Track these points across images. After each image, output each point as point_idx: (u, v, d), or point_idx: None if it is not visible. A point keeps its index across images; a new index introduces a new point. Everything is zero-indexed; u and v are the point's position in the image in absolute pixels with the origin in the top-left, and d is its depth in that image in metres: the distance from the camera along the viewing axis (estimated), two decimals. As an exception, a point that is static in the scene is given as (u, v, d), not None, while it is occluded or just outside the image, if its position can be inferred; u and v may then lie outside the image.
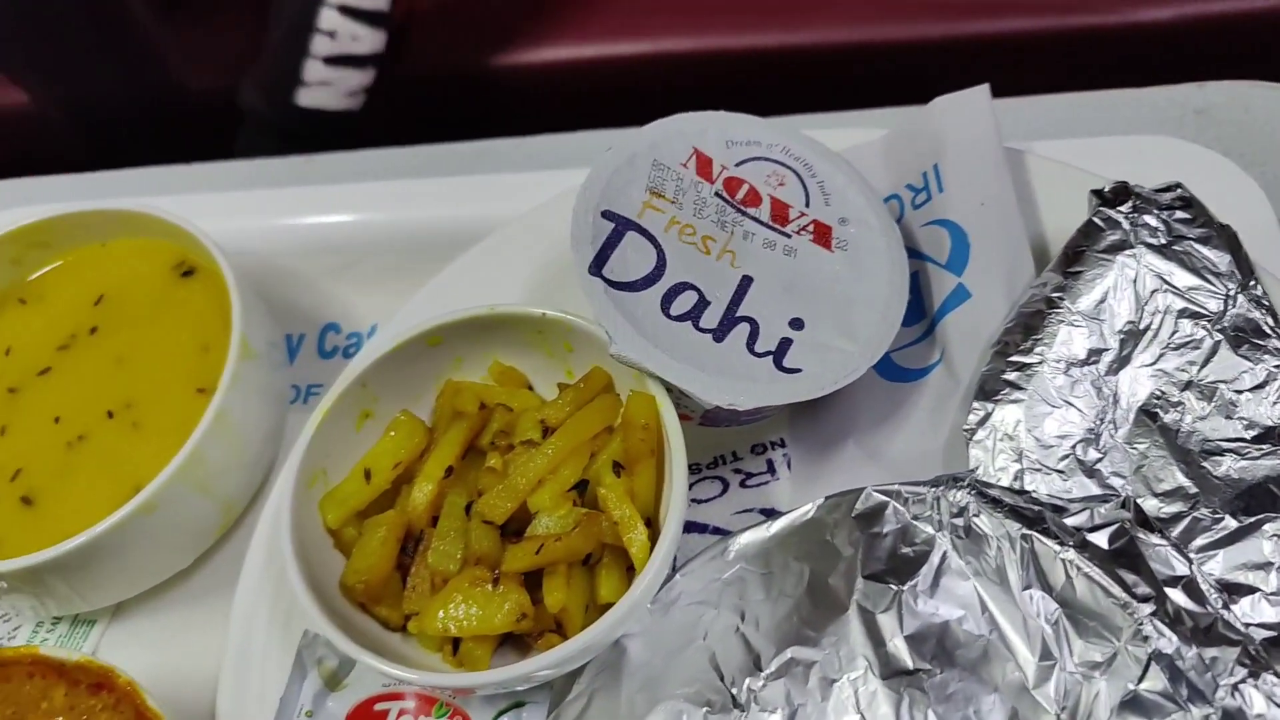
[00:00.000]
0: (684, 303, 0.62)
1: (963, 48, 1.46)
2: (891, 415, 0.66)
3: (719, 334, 0.62)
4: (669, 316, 0.62)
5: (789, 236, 0.66)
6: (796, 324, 0.63)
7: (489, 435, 0.67)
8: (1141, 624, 0.50)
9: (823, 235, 0.66)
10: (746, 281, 0.64)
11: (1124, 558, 0.51)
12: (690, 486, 0.69)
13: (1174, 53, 1.43)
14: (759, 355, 0.62)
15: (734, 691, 0.55)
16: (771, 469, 0.69)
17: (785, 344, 0.62)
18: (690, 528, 0.68)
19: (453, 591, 0.60)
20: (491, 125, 0.94)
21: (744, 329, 0.62)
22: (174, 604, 0.74)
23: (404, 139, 0.94)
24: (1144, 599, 0.50)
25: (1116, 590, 0.50)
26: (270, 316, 0.77)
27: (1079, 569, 0.51)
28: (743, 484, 0.69)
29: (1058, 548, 0.52)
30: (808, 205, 0.67)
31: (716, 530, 0.67)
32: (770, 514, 0.64)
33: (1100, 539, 0.52)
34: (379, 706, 0.63)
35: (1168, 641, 0.49)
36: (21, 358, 0.78)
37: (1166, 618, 0.50)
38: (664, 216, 0.65)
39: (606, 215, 0.64)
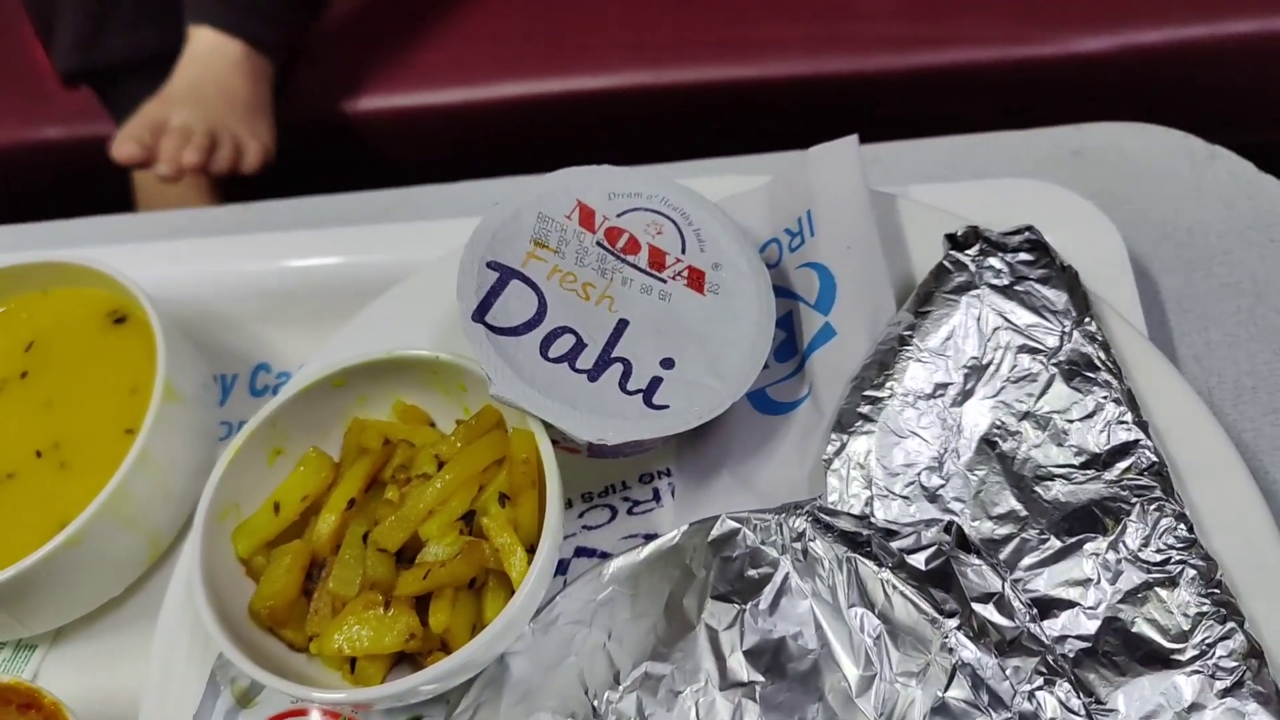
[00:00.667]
0: (562, 345, 0.67)
1: (904, 80, 1.51)
2: (764, 445, 0.71)
3: (594, 374, 0.67)
4: (547, 359, 0.67)
5: (665, 282, 0.71)
6: (667, 363, 0.68)
7: (391, 469, 0.72)
8: (947, 637, 0.54)
9: (696, 280, 0.71)
10: (623, 324, 0.69)
11: (937, 577, 0.56)
12: (581, 514, 0.74)
13: (1102, 82, 1.49)
14: (630, 393, 0.66)
15: (595, 704, 0.60)
16: (657, 496, 0.74)
17: (656, 382, 0.67)
18: (580, 553, 0.72)
19: (348, 615, 0.65)
20: (387, 170, 1.00)
21: (618, 369, 0.67)
22: (108, 629, 0.78)
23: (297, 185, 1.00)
24: (950, 614, 0.55)
25: (927, 607, 0.55)
26: (201, 358, 0.82)
27: (895, 587, 0.56)
28: (629, 511, 0.73)
29: (877, 569, 0.57)
30: (684, 252, 0.72)
31: (604, 555, 0.72)
32: (651, 538, 0.69)
33: (918, 560, 0.57)
34: (286, 722, 0.68)
35: (970, 653, 0.54)
36: None
37: (971, 631, 0.54)
38: (547, 265, 0.70)
39: (491, 265, 0.69)
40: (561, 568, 0.71)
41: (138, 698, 0.72)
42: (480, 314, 0.67)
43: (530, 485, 0.67)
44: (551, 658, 0.64)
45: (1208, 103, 1.49)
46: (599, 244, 0.72)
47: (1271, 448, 0.73)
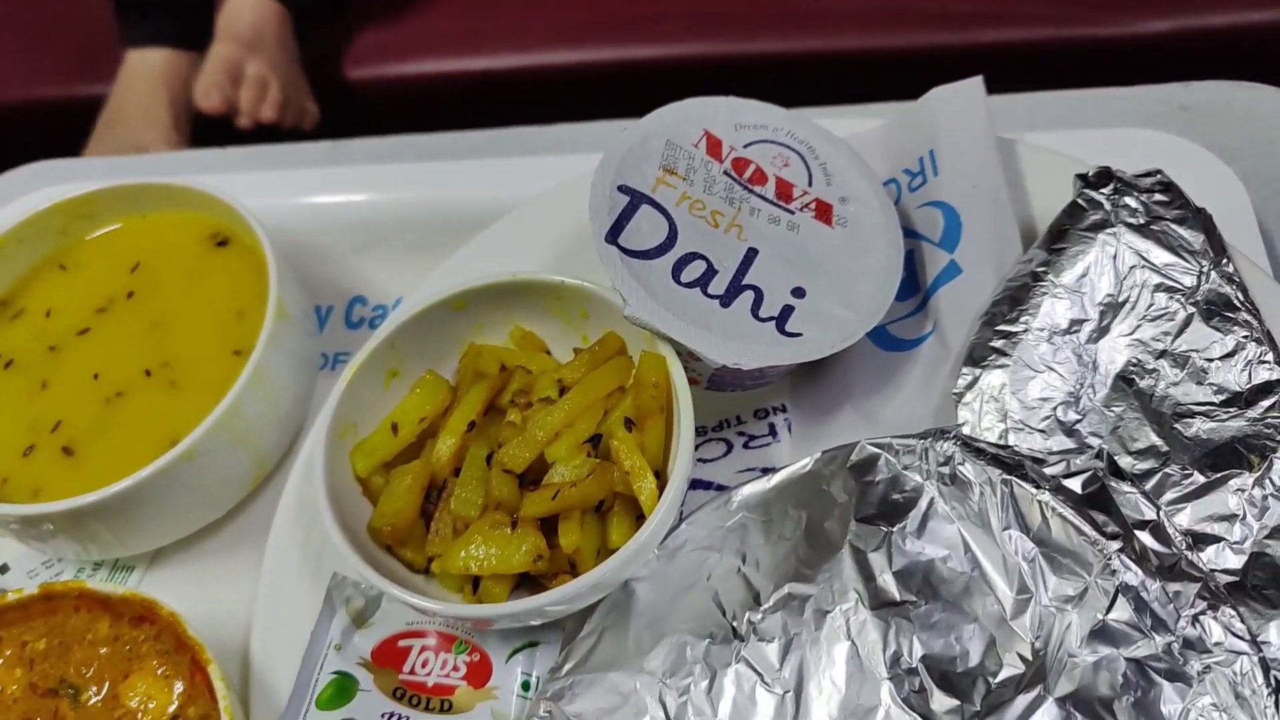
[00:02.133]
0: (693, 271, 0.67)
1: (960, 56, 1.51)
2: (887, 382, 0.70)
3: (726, 300, 0.66)
4: (679, 283, 0.66)
5: (793, 213, 0.70)
6: (798, 293, 0.67)
7: (509, 395, 0.71)
8: (1110, 559, 0.54)
9: (824, 212, 0.70)
10: (752, 253, 0.68)
11: (1096, 501, 0.56)
12: (697, 447, 0.73)
13: (1165, 63, 1.48)
14: (763, 320, 0.66)
15: (735, 624, 0.59)
16: (773, 432, 0.73)
17: (788, 310, 0.66)
18: (696, 485, 0.72)
19: (474, 534, 0.64)
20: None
21: (749, 296, 0.67)
22: (208, 552, 0.78)
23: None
24: (1113, 537, 0.54)
25: (1088, 529, 0.55)
26: (301, 286, 0.82)
27: (1054, 510, 0.56)
28: (746, 445, 0.73)
29: (1034, 491, 0.56)
30: (810, 185, 0.71)
31: (720, 487, 0.72)
32: (770, 471, 0.69)
33: (1075, 484, 0.56)
34: (403, 643, 0.67)
35: (1134, 575, 0.53)
36: (61, 319, 0.82)
37: (1134, 554, 0.54)
38: (676, 192, 0.69)
39: (622, 189, 0.68)
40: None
41: (239, 622, 0.72)
42: (613, 236, 0.67)
43: (659, 410, 0.66)
44: (679, 583, 0.63)
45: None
46: (726, 173, 0.71)
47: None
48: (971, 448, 0.59)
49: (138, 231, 0.84)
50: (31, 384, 0.79)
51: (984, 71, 1.54)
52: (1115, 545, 0.54)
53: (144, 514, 0.72)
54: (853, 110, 0.89)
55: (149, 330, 0.79)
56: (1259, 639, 0.55)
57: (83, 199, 0.84)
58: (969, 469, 0.58)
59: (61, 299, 0.83)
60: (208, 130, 1.50)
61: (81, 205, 0.84)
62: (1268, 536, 0.59)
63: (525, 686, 0.66)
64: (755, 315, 0.66)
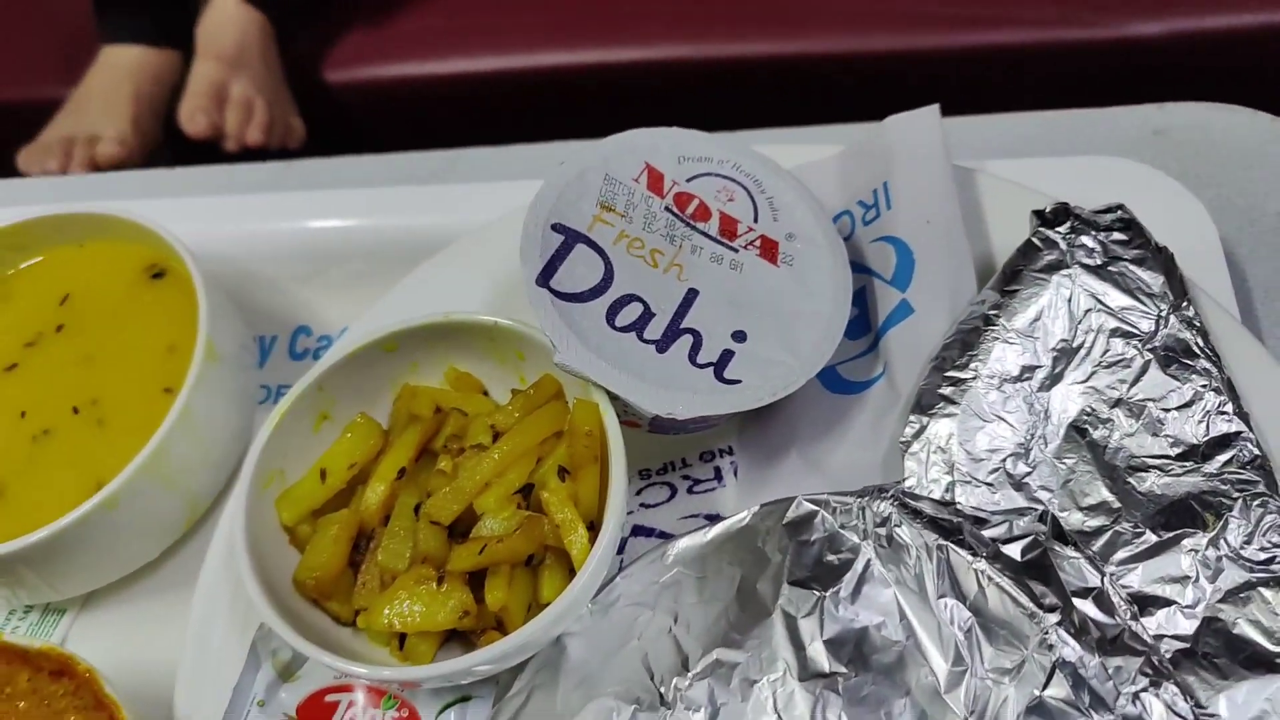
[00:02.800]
0: (629, 314, 0.64)
1: (949, 59, 1.48)
2: (834, 426, 0.68)
3: (662, 345, 0.64)
4: (614, 327, 0.64)
5: (736, 251, 0.67)
6: (739, 336, 0.65)
7: (442, 439, 0.69)
8: (1047, 633, 0.51)
9: (769, 250, 0.68)
10: (692, 294, 0.66)
11: (1035, 569, 0.53)
12: (639, 492, 0.71)
13: (1157, 65, 1.45)
14: (700, 366, 0.63)
15: (662, 690, 0.57)
16: (719, 476, 0.70)
17: (727, 356, 0.64)
18: (638, 531, 0.69)
19: (399, 589, 0.62)
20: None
21: (687, 340, 0.64)
22: (141, 595, 0.76)
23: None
24: (1050, 609, 0.52)
25: (1025, 600, 0.52)
26: (240, 319, 0.79)
27: (990, 579, 0.53)
28: (690, 490, 0.70)
29: (971, 558, 0.54)
30: (756, 220, 0.69)
31: (663, 535, 0.69)
32: (714, 519, 0.66)
33: (1014, 550, 0.54)
34: (330, 698, 0.65)
35: (1071, 651, 0.51)
36: None
37: (1072, 628, 0.51)
38: (614, 230, 0.67)
39: (556, 228, 0.66)
40: (620, 547, 0.68)
41: (171, 667, 0.69)
42: (545, 278, 0.64)
43: (593, 459, 0.64)
44: (612, 641, 0.61)
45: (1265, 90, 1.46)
46: (668, 209, 0.68)
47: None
48: (909, 509, 0.56)
49: (70, 262, 0.82)
50: (-42, 421, 0.77)
51: (973, 75, 1.51)
52: (1053, 618, 0.52)
53: (71, 559, 0.70)
54: (807, 134, 0.86)
55: (78, 365, 0.77)
56: (1208, 711, 0.53)
57: (12, 229, 0.81)
58: (905, 532, 0.56)
59: (-12, 334, 0.81)
60: (192, 145, 1.48)
61: (10, 236, 0.82)
62: (1220, 600, 0.56)
63: (454, 744, 0.63)
64: (693, 361, 0.64)
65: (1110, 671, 0.50)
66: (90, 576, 0.74)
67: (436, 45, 1.59)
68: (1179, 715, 0.49)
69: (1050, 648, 0.51)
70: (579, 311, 0.64)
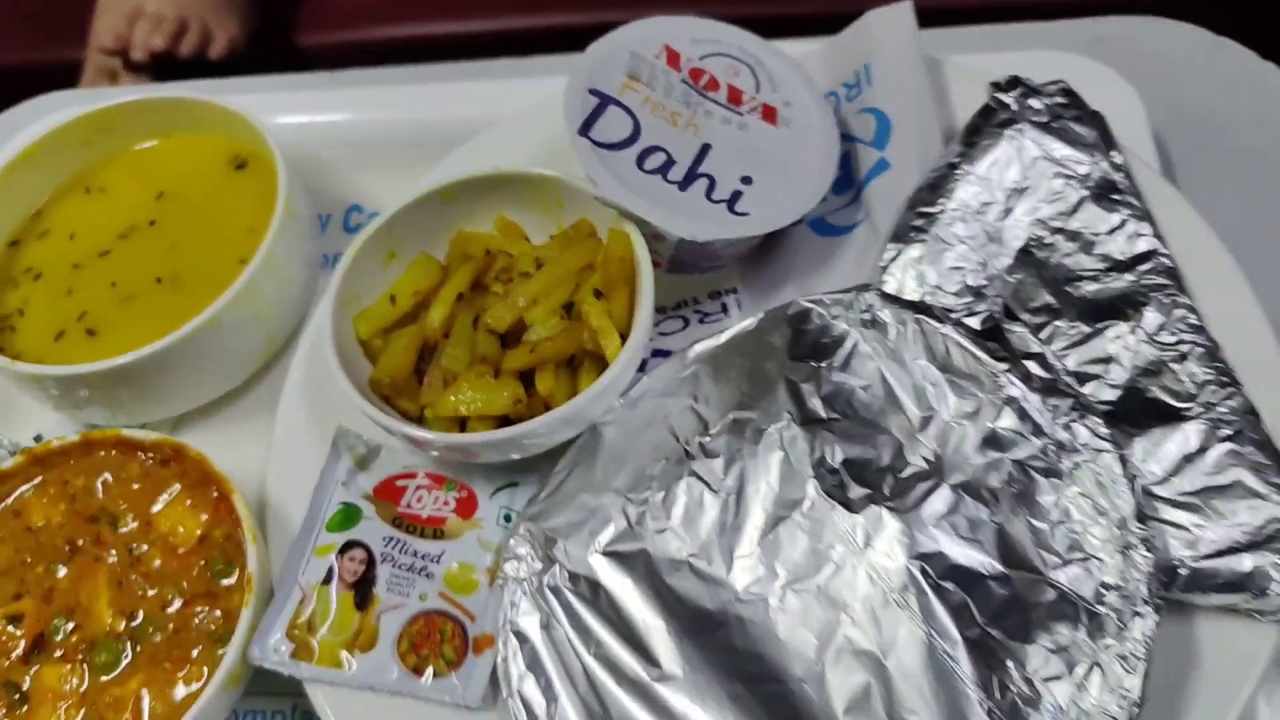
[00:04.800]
0: (655, 161, 0.77)
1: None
2: (824, 263, 0.81)
3: (684, 185, 0.76)
4: (643, 170, 0.76)
5: (742, 115, 0.80)
6: (746, 180, 0.77)
7: (493, 273, 0.81)
8: (998, 377, 0.64)
9: (770, 114, 0.81)
10: (706, 147, 0.78)
11: (990, 334, 0.66)
12: (657, 324, 0.83)
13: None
14: (715, 202, 0.76)
15: (687, 448, 0.69)
16: (725, 309, 0.83)
17: (737, 195, 0.77)
18: (656, 354, 0.81)
19: (462, 382, 0.74)
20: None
21: (704, 182, 0.77)
22: (225, 420, 0.87)
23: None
24: (1002, 359, 0.65)
25: (983, 355, 0.65)
26: (306, 193, 0.91)
27: (955, 341, 0.66)
28: (700, 321, 0.83)
29: (938, 325, 0.67)
30: (758, 91, 0.82)
31: (679, 355, 0.81)
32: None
33: (974, 322, 0.67)
34: (400, 483, 0.77)
35: (1018, 390, 0.64)
36: (84, 242, 0.91)
37: (1020, 374, 0.64)
38: (639, 95, 0.79)
39: (593, 92, 0.79)
40: (641, 368, 0.80)
41: (256, 475, 0.80)
42: (585, 129, 0.77)
43: (624, 282, 0.76)
44: (640, 424, 0.73)
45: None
46: (684, 81, 0.81)
47: (1261, 279, 0.83)
48: (889, 296, 0.69)
49: (162, 155, 0.93)
50: (57, 292, 0.88)
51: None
52: (1004, 367, 0.64)
53: (167, 379, 0.81)
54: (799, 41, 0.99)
55: (165, 251, 0.88)
56: (1124, 454, 0.66)
57: (103, 112, 0.92)
58: (887, 313, 0.69)
59: (86, 223, 0.92)
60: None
61: (103, 119, 0.93)
62: (1140, 375, 0.69)
63: (506, 519, 0.76)
64: (709, 198, 0.76)
65: (1049, 407, 0.63)
66: (183, 397, 0.85)
67: (411, 9, 1.63)
68: (1100, 437, 0.62)
69: (1001, 389, 0.64)
70: (613, 158, 0.76)
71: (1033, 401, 0.63)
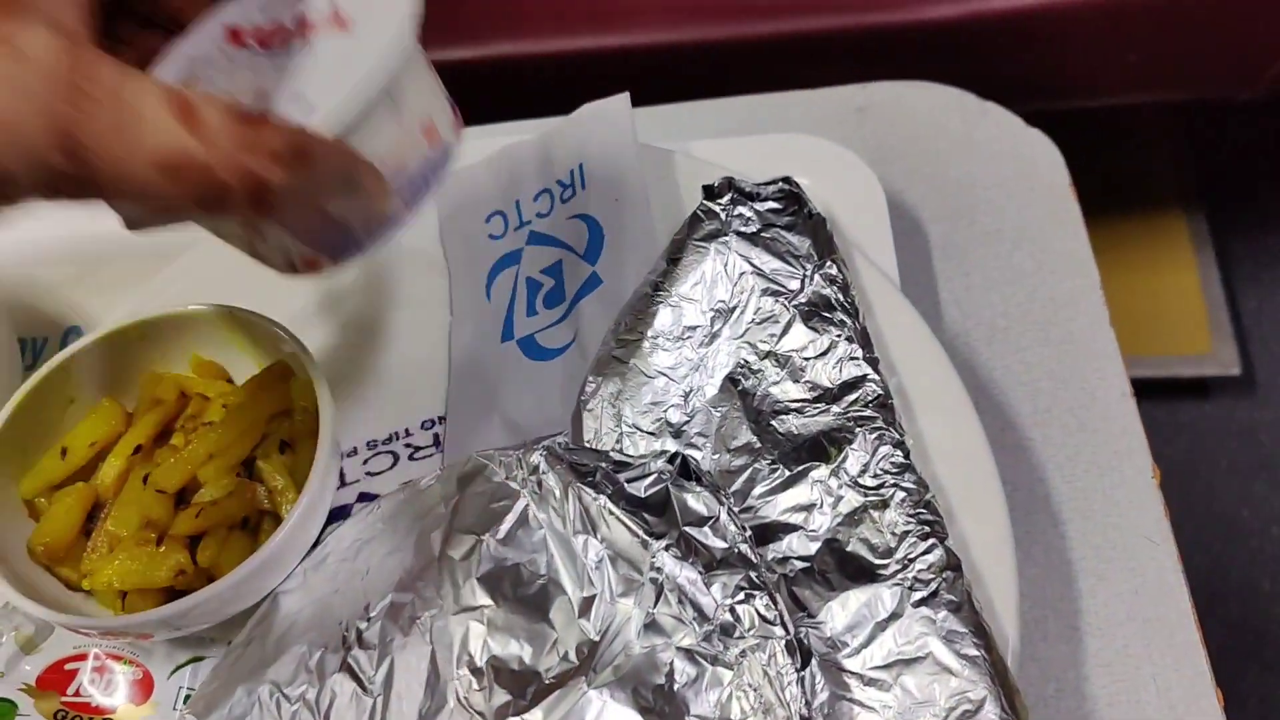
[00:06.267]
0: None
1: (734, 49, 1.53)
2: (532, 390, 0.75)
3: None
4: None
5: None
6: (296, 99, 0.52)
7: (184, 420, 0.74)
8: (655, 556, 0.58)
9: (342, 23, 0.55)
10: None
11: (652, 504, 0.60)
12: (365, 461, 0.77)
13: (955, 46, 1.52)
14: None
15: (345, 634, 0.63)
16: (438, 442, 0.77)
17: None
18: (362, 498, 0.75)
19: (120, 551, 0.68)
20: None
21: None
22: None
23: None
24: (659, 535, 0.59)
25: (639, 530, 0.59)
26: (7, 323, 0.84)
27: (611, 513, 0.60)
28: (410, 457, 0.77)
29: (594, 495, 0.61)
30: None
31: (385, 499, 0.75)
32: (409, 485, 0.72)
33: (638, 488, 0.60)
34: (69, 666, 0.71)
35: (674, 569, 0.58)
36: None
37: (680, 551, 0.58)
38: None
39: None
40: (345, 513, 0.74)
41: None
42: None
43: (310, 434, 0.70)
44: (319, 594, 0.67)
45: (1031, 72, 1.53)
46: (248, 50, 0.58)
47: (1018, 382, 0.78)
48: (555, 455, 0.63)
49: None
50: None
51: (776, 60, 1.55)
52: (660, 544, 0.59)
53: None
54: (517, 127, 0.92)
55: None
56: (818, 619, 0.61)
57: None
58: (551, 477, 0.62)
59: None
60: None
61: None
62: (839, 524, 0.63)
63: (187, 700, 0.69)
64: None
65: (713, 588, 0.57)
66: None
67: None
68: (766, 620, 0.56)
69: (659, 569, 0.58)
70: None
71: (692, 583, 0.57)
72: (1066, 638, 0.69)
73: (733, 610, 0.57)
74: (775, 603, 0.57)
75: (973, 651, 0.58)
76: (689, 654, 0.57)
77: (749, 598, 0.57)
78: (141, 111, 0.41)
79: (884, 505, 0.63)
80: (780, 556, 0.63)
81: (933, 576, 0.60)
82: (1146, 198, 2.03)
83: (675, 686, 0.56)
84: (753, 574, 0.58)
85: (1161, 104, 1.97)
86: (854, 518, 0.63)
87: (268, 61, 0.58)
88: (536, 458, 0.63)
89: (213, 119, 0.42)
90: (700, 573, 0.58)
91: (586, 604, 0.59)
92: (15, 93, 0.39)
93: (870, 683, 0.59)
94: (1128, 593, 0.70)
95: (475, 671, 0.59)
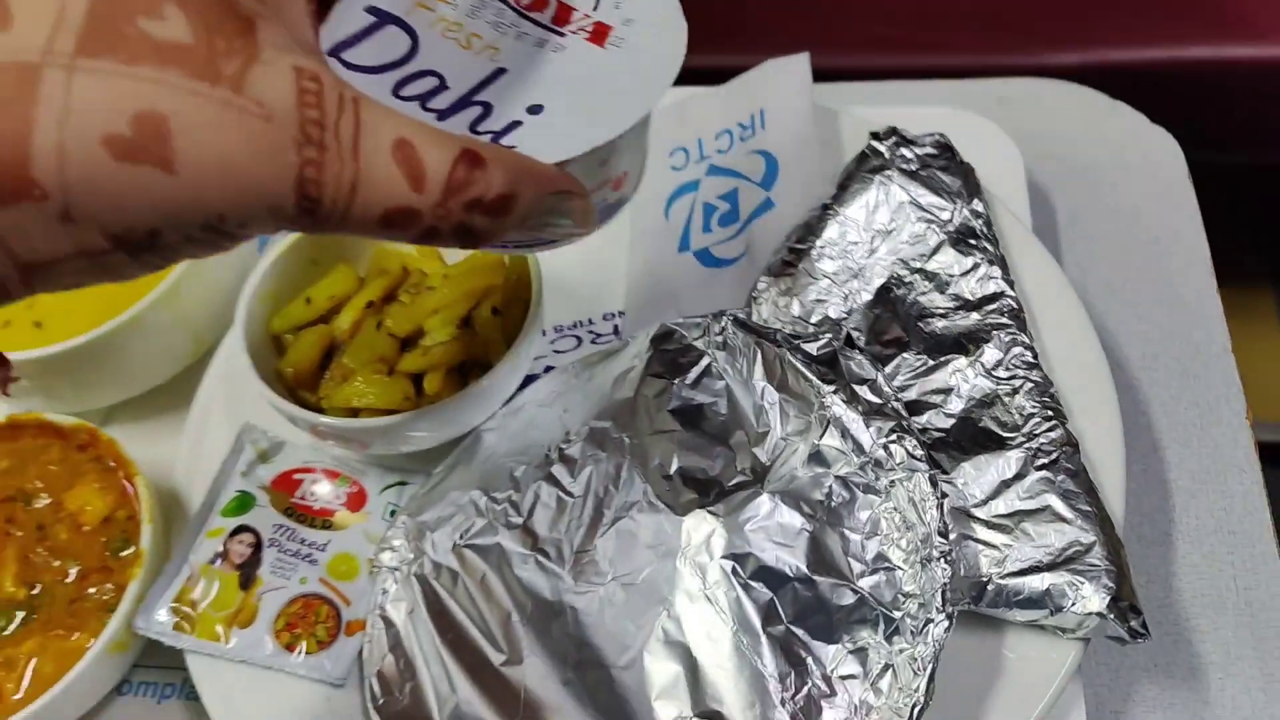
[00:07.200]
0: (420, 86, 0.61)
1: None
2: (705, 292, 0.86)
3: (445, 114, 0.60)
4: (398, 97, 0.60)
5: (563, 36, 0.63)
6: (535, 109, 0.60)
7: (405, 288, 0.87)
8: (824, 398, 0.69)
9: (600, 34, 0.64)
10: (498, 73, 0.62)
11: (824, 360, 0.71)
12: (553, 341, 0.89)
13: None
14: (480, 133, 0.59)
15: (548, 454, 0.75)
16: (616, 331, 0.89)
17: (513, 125, 0.59)
18: (550, 369, 0.87)
19: (356, 376, 0.80)
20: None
21: (474, 111, 0.60)
22: (151, 413, 0.93)
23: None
24: (829, 382, 0.70)
25: (813, 378, 0.70)
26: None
27: (789, 364, 0.71)
28: (593, 340, 0.89)
29: (776, 349, 0.72)
30: (596, 8, 0.65)
31: (570, 372, 0.87)
32: (601, 351, 0.83)
33: (811, 348, 0.72)
34: (297, 476, 0.83)
35: (840, 410, 0.69)
36: None
37: (845, 397, 0.69)
38: (433, 14, 0.63)
39: (371, 10, 0.62)
40: (531, 380, 0.86)
41: (172, 464, 0.87)
42: (341, 49, 0.60)
43: (519, 300, 0.82)
44: (516, 431, 0.79)
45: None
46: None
47: (1130, 332, 0.88)
48: (740, 322, 0.75)
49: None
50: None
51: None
52: (831, 389, 0.70)
53: (95, 372, 0.88)
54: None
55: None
56: (951, 476, 0.71)
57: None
58: (738, 338, 0.74)
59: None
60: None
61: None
62: (974, 406, 0.74)
63: (392, 514, 0.81)
64: (473, 129, 0.59)
65: (870, 428, 0.68)
66: (109, 391, 0.91)
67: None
68: (913, 456, 0.67)
69: (826, 409, 0.69)
70: (364, 81, 0.59)
71: (854, 423, 0.68)
72: (1160, 541, 0.79)
73: (886, 448, 0.68)
74: (921, 445, 0.68)
75: (1086, 507, 0.68)
76: (845, 481, 0.68)
77: (900, 439, 0.68)
78: (375, 173, 0.43)
79: (1014, 393, 0.74)
80: (921, 427, 0.74)
81: (1054, 449, 0.71)
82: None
83: (833, 504, 0.67)
84: (904, 422, 0.69)
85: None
86: (987, 400, 0.74)
87: (514, 30, 0.62)
88: (725, 323, 0.75)
89: (435, 169, 0.44)
90: (860, 414, 0.69)
91: (761, 437, 0.70)
92: (257, 152, 0.40)
93: (994, 527, 0.69)
94: (1218, 509, 0.79)
95: (666, 478, 0.70)
